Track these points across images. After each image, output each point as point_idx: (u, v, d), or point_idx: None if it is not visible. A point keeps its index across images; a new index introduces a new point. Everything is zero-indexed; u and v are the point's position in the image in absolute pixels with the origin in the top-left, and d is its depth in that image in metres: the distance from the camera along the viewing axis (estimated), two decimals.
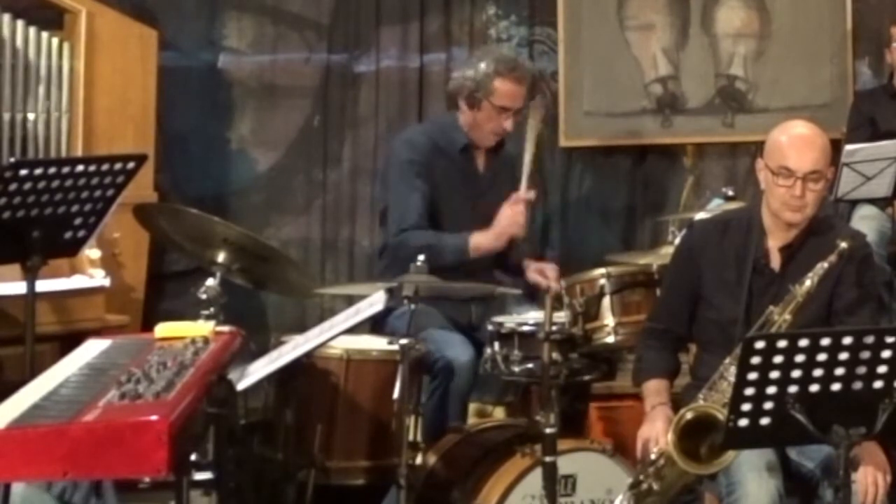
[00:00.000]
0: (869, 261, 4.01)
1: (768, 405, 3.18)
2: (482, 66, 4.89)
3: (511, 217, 4.78)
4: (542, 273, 4.87)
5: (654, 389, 3.99)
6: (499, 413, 5.41)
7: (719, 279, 3.99)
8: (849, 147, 5.31)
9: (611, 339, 4.33)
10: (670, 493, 3.85)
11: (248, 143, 6.22)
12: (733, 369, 3.48)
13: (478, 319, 4.84)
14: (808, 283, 3.71)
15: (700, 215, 4.69)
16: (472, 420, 5.11)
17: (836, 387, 3.17)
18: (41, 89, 5.41)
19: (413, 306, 4.04)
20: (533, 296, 4.88)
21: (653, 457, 3.80)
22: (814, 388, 3.16)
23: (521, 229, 4.80)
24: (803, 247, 3.93)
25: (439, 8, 6.28)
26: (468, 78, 4.91)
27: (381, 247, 5.06)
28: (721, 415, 3.50)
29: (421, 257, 4.17)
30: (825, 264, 3.71)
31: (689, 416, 3.66)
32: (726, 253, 3.99)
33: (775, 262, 3.95)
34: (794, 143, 3.86)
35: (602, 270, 4.41)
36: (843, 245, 3.71)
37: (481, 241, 4.80)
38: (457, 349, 4.59)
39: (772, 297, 3.85)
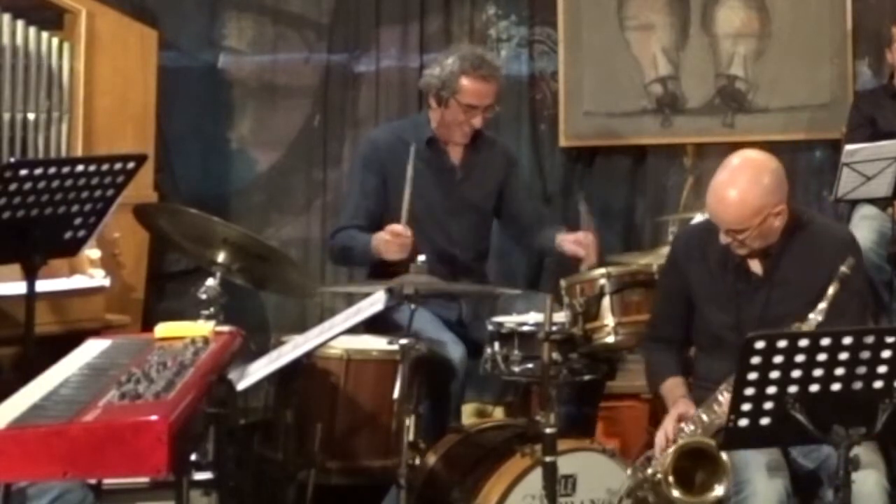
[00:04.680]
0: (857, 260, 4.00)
1: (768, 405, 3.18)
2: (448, 63, 4.84)
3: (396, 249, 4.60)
4: (579, 243, 4.81)
5: (671, 386, 4.04)
6: (499, 413, 5.41)
7: (706, 287, 4.00)
8: (849, 147, 5.30)
9: (611, 339, 4.32)
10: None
11: (248, 143, 6.23)
12: (727, 394, 3.53)
13: (468, 318, 4.83)
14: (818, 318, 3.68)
15: (699, 216, 4.68)
16: (471, 420, 5.11)
17: (836, 387, 3.17)
18: (41, 89, 5.41)
19: (413, 306, 4.04)
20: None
21: (650, 472, 3.85)
22: (814, 388, 3.17)
23: (401, 253, 4.58)
24: (784, 250, 3.92)
25: (439, 8, 6.27)
26: (435, 76, 4.85)
27: None
28: (711, 445, 3.64)
29: (421, 257, 4.17)
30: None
31: (682, 449, 3.74)
32: (710, 260, 3.99)
33: (755, 267, 3.94)
34: (711, 202, 3.87)
35: (602, 270, 4.39)
36: (845, 270, 3.67)
37: (379, 244, 4.66)
38: (449, 348, 4.58)
39: (761, 302, 3.87)
